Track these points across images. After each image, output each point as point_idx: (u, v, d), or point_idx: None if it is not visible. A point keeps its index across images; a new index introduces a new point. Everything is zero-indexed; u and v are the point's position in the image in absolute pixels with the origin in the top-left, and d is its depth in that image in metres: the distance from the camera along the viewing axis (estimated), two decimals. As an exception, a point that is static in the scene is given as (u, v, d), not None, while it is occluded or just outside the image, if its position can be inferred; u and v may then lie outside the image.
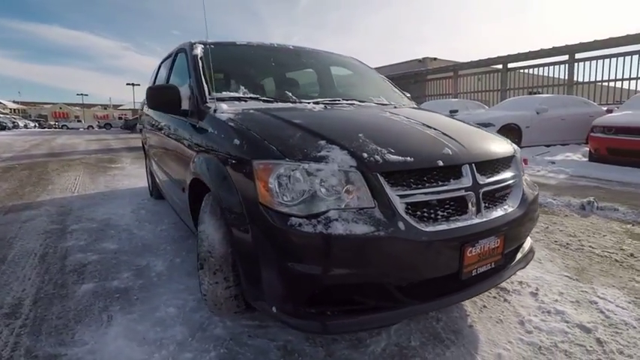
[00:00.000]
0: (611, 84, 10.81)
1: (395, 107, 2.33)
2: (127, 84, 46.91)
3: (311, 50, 2.92)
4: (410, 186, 1.37)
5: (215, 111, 1.82)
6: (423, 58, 19.27)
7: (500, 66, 13.77)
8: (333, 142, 1.41)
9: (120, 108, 74.78)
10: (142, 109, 4.68)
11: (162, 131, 2.70)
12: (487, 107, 11.63)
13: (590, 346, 1.57)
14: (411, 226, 1.30)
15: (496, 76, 14.32)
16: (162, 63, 3.69)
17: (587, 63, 10.96)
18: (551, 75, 12.40)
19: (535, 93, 12.51)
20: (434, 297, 1.41)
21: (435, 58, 18.99)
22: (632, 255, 2.54)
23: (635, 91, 9.83)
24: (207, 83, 2.07)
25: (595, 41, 10.56)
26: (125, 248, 2.74)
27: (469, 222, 1.43)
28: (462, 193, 1.45)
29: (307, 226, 1.24)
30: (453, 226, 1.38)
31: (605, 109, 8.10)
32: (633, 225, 3.20)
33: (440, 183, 1.42)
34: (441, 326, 1.72)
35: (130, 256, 2.59)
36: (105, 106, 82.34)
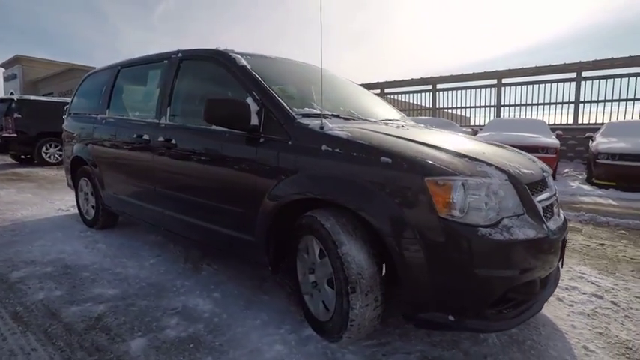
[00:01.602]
0: (458, 110, 13.69)
1: (434, 128, 2.62)
2: None
3: (318, 68, 2.97)
4: (534, 195, 1.65)
5: (322, 128, 1.75)
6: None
7: (378, 90, 15.79)
8: (476, 160, 1.58)
9: None
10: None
11: (180, 150, 2.31)
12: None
13: (613, 307, 2.12)
14: (548, 226, 1.58)
15: (375, 99, 16.33)
16: (122, 69, 3.14)
17: (446, 92, 13.63)
18: (417, 101, 14.88)
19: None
20: (548, 285, 1.71)
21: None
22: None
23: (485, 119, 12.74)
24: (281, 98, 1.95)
25: (451, 75, 13.26)
26: (130, 291, 2.23)
27: (559, 222, 1.79)
28: (553, 199, 1.81)
29: (496, 234, 1.38)
30: (558, 225, 1.72)
31: (471, 130, 10.23)
32: (543, 218, 4.25)
33: (543, 192, 1.75)
34: (515, 313, 2.03)
35: (150, 299, 2.13)
36: None
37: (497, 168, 1.55)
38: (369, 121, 2.21)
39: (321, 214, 1.67)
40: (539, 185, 1.75)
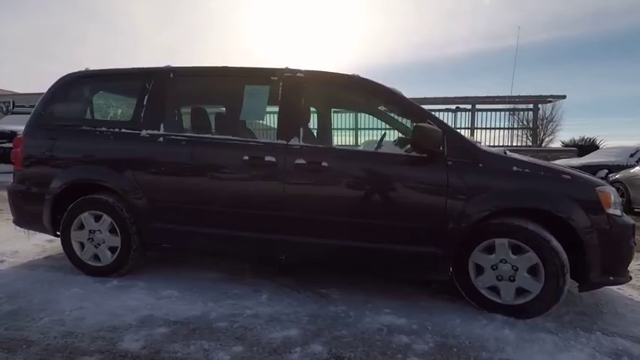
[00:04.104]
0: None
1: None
2: None
3: None
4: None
5: (505, 153, 2.25)
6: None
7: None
8: (583, 172, 2.43)
9: None
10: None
11: (336, 173, 2.28)
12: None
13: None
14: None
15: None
16: (177, 77, 2.65)
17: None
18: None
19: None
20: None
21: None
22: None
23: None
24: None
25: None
26: (310, 328, 2.05)
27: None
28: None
29: (630, 220, 2.24)
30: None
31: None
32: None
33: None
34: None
35: (343, 329, 2.05)
36: None
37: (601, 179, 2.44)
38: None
39: (517, 220, 2.16)
40: None
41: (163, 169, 2.50)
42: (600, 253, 2.14)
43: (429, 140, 2.12)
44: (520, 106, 13.78)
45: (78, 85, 2.82)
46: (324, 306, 2.33)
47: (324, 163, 2.31)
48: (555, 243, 2.10)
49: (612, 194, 2.21)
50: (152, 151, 2.52)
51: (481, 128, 13.31)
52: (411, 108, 2.36)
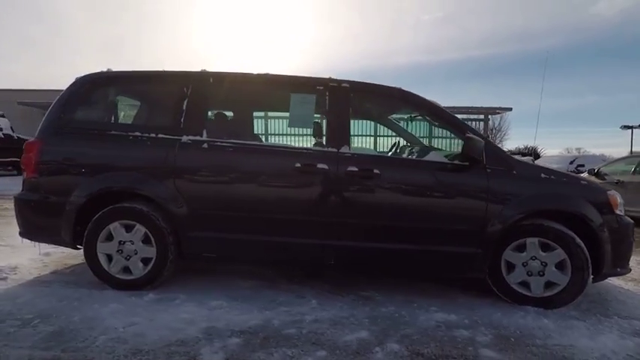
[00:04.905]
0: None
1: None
2: None
3: None
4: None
5: (533, 161, 2.51)
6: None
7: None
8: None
9: None
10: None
11: (387, 180, 2.39)
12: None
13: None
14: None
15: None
16: (218, 82, 2.61)
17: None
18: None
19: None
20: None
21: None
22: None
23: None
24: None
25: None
26: (375, 329, 2.14)
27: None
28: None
29: (631, 220, 2.62)
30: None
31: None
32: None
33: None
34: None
35: (403, 329, 2.16)
36: None
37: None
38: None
39: (546, 222, 2.43)
40: None
41: (209, 176, 2.44)
42: (611, 248, 2.48)
43: (475, 150, 2.32)
44: (472, 117, 14.92)
45: (100, 87, 2.64)
46: (375, 308, 2.42)
47: (375, 170, 2.41)
48: (579, 240, 2.40)
49: (618, 197, 2.58)
50: (196, 157, 2.44)
51: (438, 137, 14.22)
52: (452, 120, 2.56)
